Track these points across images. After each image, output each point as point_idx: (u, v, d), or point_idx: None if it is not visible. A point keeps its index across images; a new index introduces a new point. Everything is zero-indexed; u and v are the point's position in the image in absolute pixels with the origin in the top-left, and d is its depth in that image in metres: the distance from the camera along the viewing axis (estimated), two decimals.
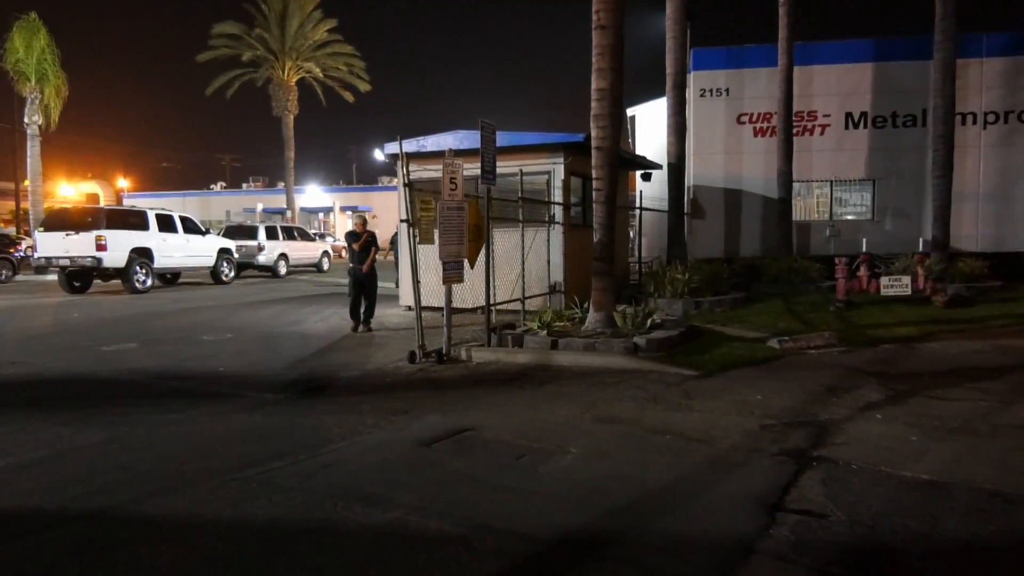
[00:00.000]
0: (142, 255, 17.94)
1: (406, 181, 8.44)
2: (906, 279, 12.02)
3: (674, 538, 3.55)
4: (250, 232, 24.32)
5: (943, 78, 15.26)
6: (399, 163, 9.26)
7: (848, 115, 18.33)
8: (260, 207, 51.41)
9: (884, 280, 12.05)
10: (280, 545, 3.49)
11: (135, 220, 18.46)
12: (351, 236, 10.86)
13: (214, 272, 20.93)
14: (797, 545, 3.41)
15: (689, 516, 3.82)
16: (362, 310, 10.94)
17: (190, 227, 20.13)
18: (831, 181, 18.51)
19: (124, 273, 17.56)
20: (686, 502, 4.02)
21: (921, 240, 14.57)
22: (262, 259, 23.86)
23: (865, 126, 18.29)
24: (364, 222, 11.14)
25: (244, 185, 69.90)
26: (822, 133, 18.44)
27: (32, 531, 3.68)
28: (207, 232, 21.32)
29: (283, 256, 24.64)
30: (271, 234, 24.65)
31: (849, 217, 18.59)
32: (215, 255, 20.81)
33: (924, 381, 6.92)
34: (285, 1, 39.13)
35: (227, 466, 4.64)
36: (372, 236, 10.89)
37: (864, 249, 13.06)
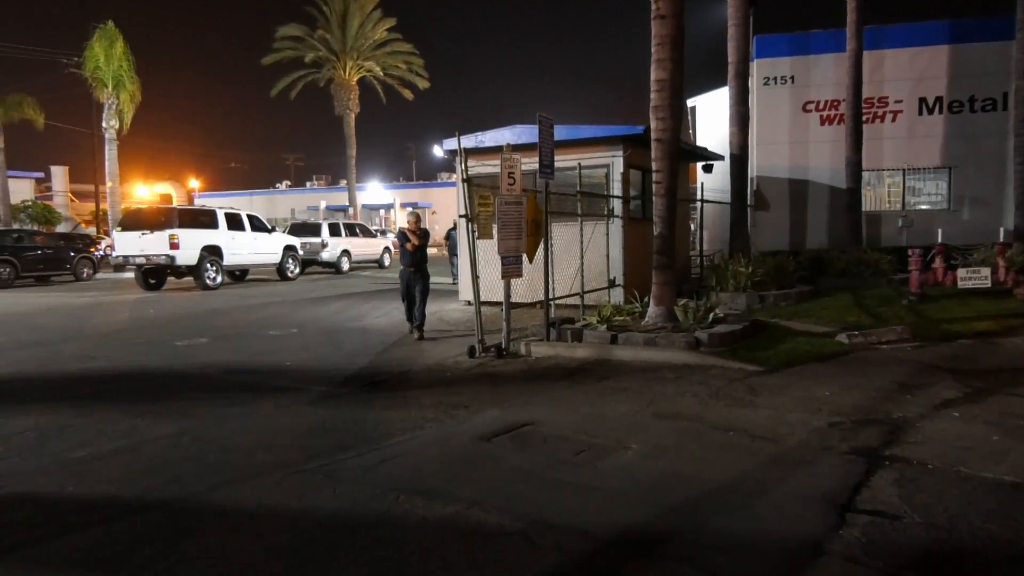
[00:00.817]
0: (212, 253, 18.57)
1: (464, 176, 8.48)
2: (985, 271, 11.43)
3: (737, 537, 3.47)
4: (314, 229, 24.89)
5: None
6: (457, 159, 9.31)
7: (922, 100, 17.55)
8: (323, 205, 52.57)
9: (961, 272, 11.48)
10: (343, 536, 3.55)
11: (205, 219, 19.12)
12: (403, 236, 9.88)
13: (280, 269, 21.51)
14: (869, 547, 3.28)
15: (753, 515, 3.72)
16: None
17: (257, 225, 20.73)
18: (903, 169, 17.76)
19: (196, 270, 18.22)
20: (750, 500, 3.92)
21: (1002, 230, 13.85)
22: (325, 256, 24.38)
23: (940, 111, 17.48)
24: (418, 219, 10.10)
25: (308, 183, 71.60)
26: (893, 120, 17.71)
27: (111, 518, 3.84)
28: (273, 230, 21.92)
29: (345, 252, 25.12)
30: (334, 231, 25.16)
31: (923, 207, 17.82)
32: (281, 252, 21.38)
33: (1005, 378, 6.58)
34: (346, 2, 39.88)
35: (292, 458, 4.76)
36: (425, 234, 9.92)
37: (939, 240, 12.50)
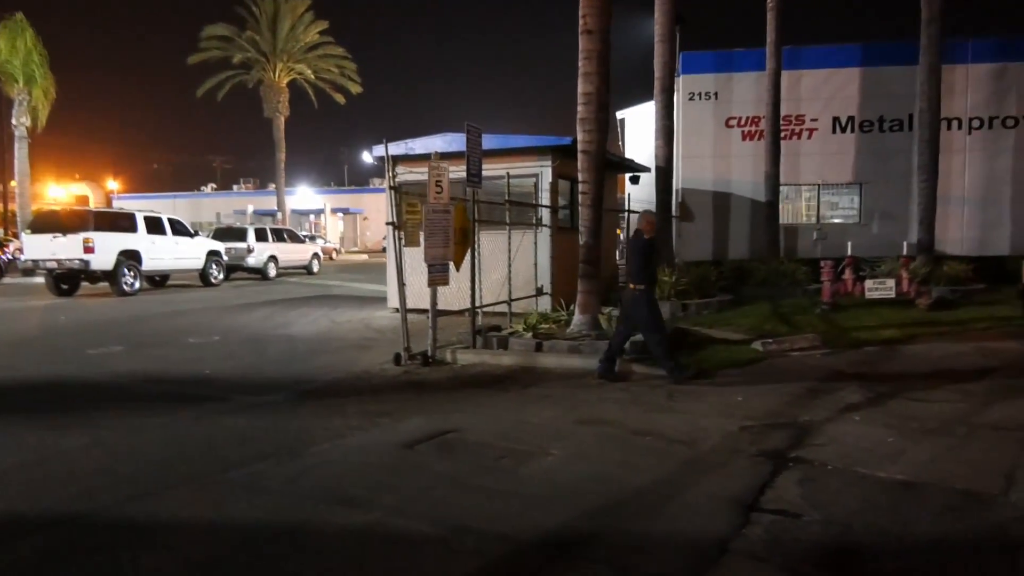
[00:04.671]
0: (130, 257, 17.87)
1: (392, 184, 8.47)
2: (890, 282, 12.12)
3: (651, 538, 3.60)
4: (239, 234, 24.25)
5: (929, 83, 15.38)
6: (386, 166, 9.29)
7: (835, 119, 18.45)
8: (251, 209, 51.26)
9: (869, 283, 12.14)
10: (260, 547, 3.51)
11: (123, 222, 18.39)
12: (652, 247, 7.40)
13: (203, 274, 20.87)
14: (770, 544, 3.46)
15: (667, 516, 3.87)
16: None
17: (179, 229, 20.08)
18: (819, 185, 18.62)
19: (112, 275, 17.49)
20: (665, 503, 4.07)
21: (906, 243, 14.66)
22: (251, 261, 23.79)
23: (852, 130, 18.41)
24: (651, 221, 7.58)
25: (235, 187, 69.66)
26: (810, 137, 18.56)
27: (11, 537, 3.68)
28: (196, 234, 21.27)
29: (272, 258, 24.58)
30: (260, 236, 24.59)
31: (836, 220, 18.71)
32: (204, 257, 20.75)
33: (905, 383, 6.99)
34: (277, 3, 39.14)
35: (210, 469, 4.67)
36: (651, 244, 7.42)
37: (850, 252, 13.16)
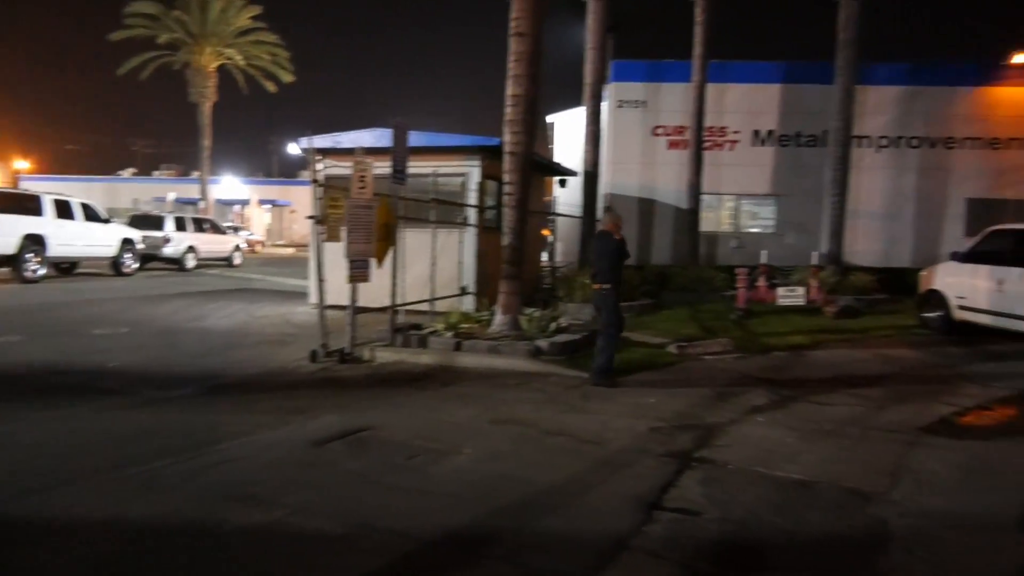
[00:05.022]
0: (34, 242, 16.92)
1: (315, 178, 8.32)
2: (801, 290, 12.66)
3: (554, 536, 3.66)
4: (156, 222, 23.29)
5: (843, 102, 16.13)
6: (310, 160, 9.11)
7: (756, 132, 19.13)
8: (172, 196, 49.40)
9: (781, 291, 12.65)
10: (154, 545, 3.40)
11: (28, 204, 17.40)
12: (621, 246, 7.34)
13: (115, 263, 19.95)
14: (668, 541, 3.57)
15: (572, 515, 3.93)
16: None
17: (91, 214, 19.13)
18: (738, 195, 19.27)
19: (13, 261, 16.52)
20: (571, 501, 4.14)
21: (817, 254, 15.34)
22: (168, 251, 22.87)
23: (771, 144, 19.14)
24: (617, 222, 7.53)
25: (155, 173, 66.86)
26: (731, 148, 19.18)
27: None
28: (109, 220, 20.32)
29: (191, 249, 23.68)
30: (180, 225, 23.68)
31: (754, 230, 19.40)
32: (117, 245, 19.84)
33: (808, 387, 7.31)
34: None
35: (108, 464, 4.48)
36: (622, 245, 7.39)
37: (765, 261, 13.67)
